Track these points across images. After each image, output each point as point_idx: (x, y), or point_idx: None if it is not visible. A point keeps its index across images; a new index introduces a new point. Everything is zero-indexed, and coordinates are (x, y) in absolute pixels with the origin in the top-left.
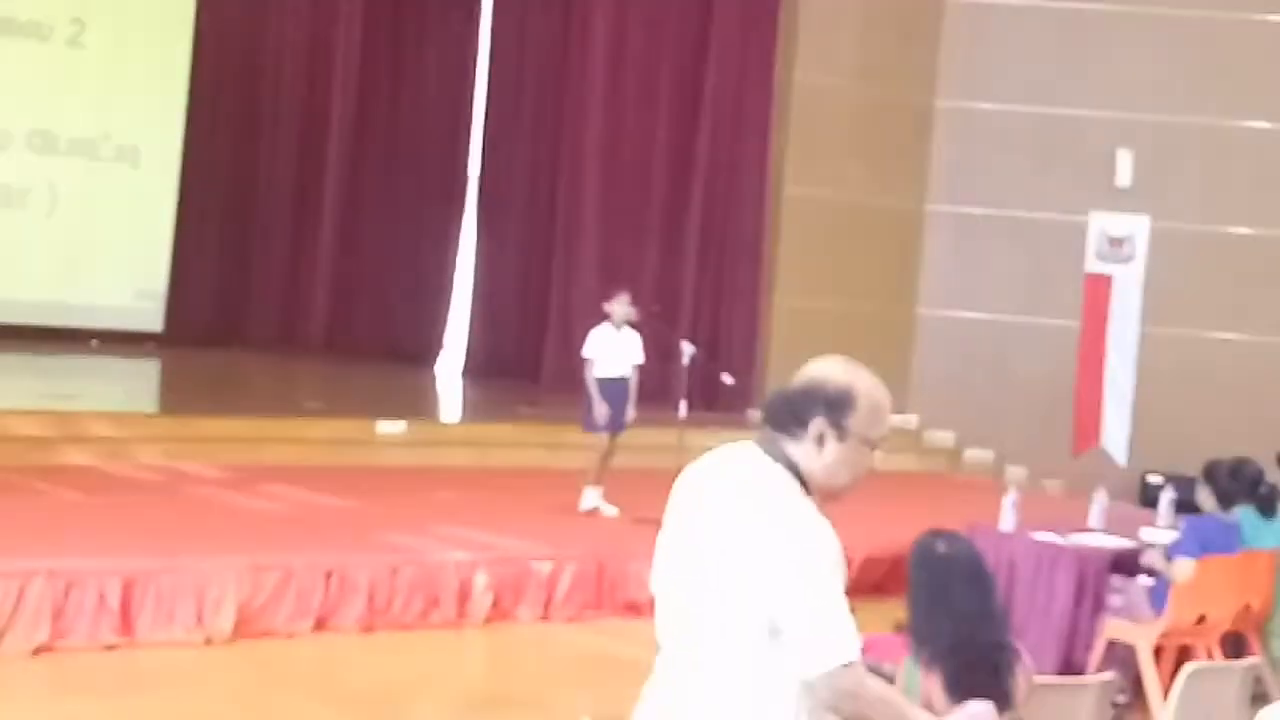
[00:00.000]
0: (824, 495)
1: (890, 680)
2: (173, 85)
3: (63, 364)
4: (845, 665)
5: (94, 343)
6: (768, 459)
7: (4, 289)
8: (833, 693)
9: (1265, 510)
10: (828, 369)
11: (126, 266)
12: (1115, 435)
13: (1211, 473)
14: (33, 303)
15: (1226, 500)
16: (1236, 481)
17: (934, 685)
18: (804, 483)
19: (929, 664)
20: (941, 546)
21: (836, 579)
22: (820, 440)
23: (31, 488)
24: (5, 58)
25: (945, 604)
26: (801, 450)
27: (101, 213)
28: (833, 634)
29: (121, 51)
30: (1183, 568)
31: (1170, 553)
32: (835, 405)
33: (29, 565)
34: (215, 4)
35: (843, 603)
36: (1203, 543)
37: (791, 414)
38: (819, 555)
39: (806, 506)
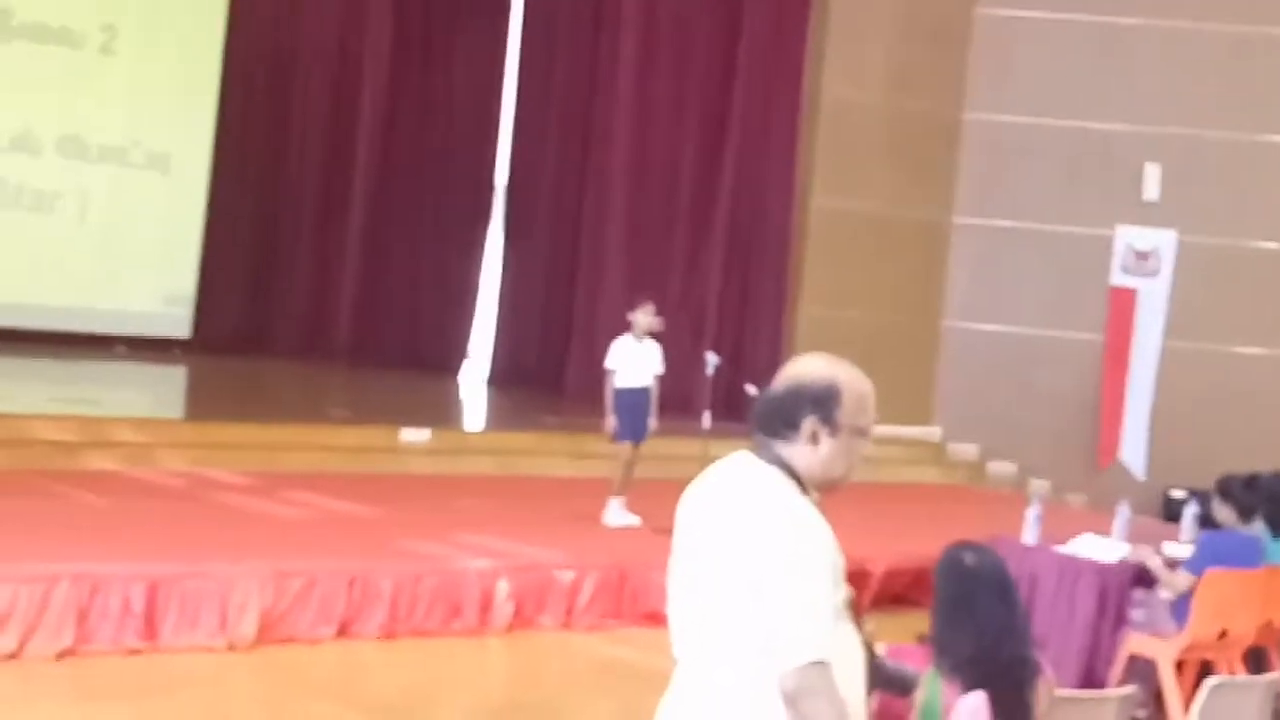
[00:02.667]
0: (823, 489)
1: (908, 684)
2: (203, 92)
3: (90, 369)
4: (817, 663)
5: (120, 348)
6: (761, 463)
7: (33, 294)
8: (798, 689)
9: (1276, 528)
10: (808, 367)
11: (155, 273)
12: (1137, 449)
13: (1226, 487)
14: (61, 308)
15: (1246, 513)
16: (1253, 493)
17: (955, 696)
18: (799, 482)
19: (950, 674)
20: (968, 558)
21: (818, 578)
22: (814, 439)
23: (57, 492)
24: (37, 64)
25: (969, 615)
26: (795, 450)
27: (131, 219)
28: (804, 629)
29: (152, 59)
30: (1182, 579)
31: (1183, 569)
32: (822, 402)
33: (54, 569)
34: (246, 12)
35: (821, 601)
36: (1216, 559)
37: (780, 417)
38: (799, 552)
39: (801, 506)
